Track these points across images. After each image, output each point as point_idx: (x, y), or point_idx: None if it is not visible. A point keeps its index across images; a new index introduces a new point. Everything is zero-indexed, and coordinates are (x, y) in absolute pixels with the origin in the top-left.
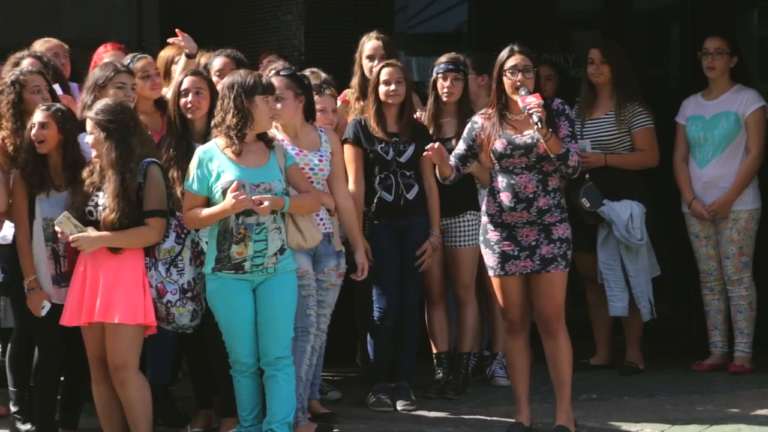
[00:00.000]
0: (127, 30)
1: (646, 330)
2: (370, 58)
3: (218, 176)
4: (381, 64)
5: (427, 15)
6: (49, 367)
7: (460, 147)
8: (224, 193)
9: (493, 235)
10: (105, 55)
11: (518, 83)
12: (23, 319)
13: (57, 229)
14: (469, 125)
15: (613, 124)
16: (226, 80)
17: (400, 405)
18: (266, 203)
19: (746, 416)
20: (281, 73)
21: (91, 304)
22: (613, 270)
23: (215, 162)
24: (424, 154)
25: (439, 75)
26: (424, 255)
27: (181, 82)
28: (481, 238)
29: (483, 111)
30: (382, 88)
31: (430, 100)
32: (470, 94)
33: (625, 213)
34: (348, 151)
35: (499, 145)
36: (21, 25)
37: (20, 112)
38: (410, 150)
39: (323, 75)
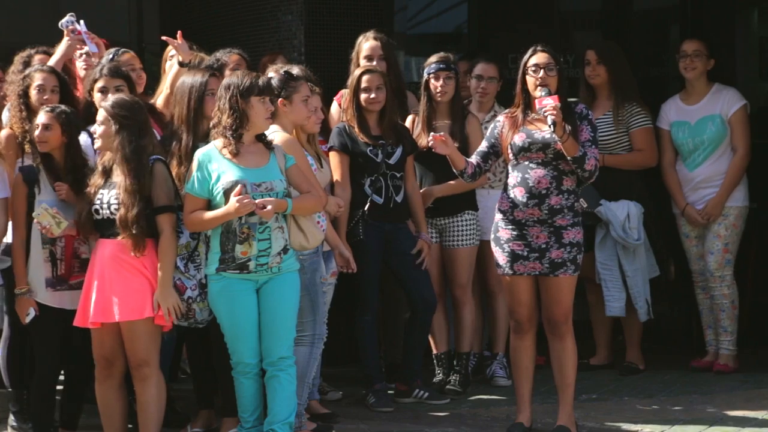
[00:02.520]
0: (127, 30)
1: (645, 330)
2: (368, 58)
3: (218, 178)
4: (360, 71)
5: (427, 15)
6: (42, 371)
7: (483, 145)
8: (225, 194)
9: (503, 233)
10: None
11: (540, 80)
12: (18, 321)
13: (35, 221)
14: (492, 124)
15: (611, 125)
16: (224, 81)
17: (429, 399)
18: (269, 207)
19: (746, 416)
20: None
21: (100, 304)
22: (611, 270)
23: (214, 164)
24: (430, 143)
25: (431, 75)
26: (422, 253)
27: None
28: (492, 236)
29: (507, 111)
30: (362, 95)
31: (423, 101)
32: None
33: (622, 213)
34: (334, 157)
35: (518, 138)
36: (21, 24)
37: (27, 104)
38: (399, 151)
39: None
